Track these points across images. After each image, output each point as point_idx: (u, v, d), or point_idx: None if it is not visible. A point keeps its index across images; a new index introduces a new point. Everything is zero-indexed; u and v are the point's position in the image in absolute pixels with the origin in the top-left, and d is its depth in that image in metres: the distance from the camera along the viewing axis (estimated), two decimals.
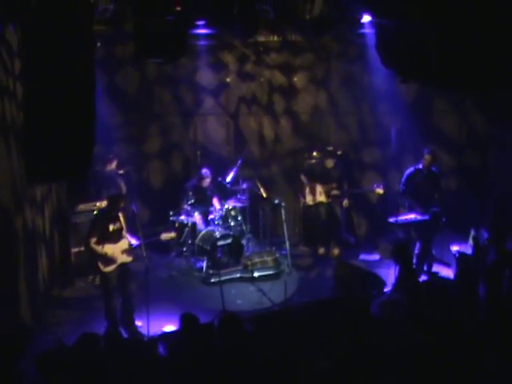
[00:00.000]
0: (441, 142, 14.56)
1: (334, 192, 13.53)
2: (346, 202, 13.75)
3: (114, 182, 12.93)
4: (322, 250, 13.67)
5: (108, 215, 10.06)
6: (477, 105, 14.43)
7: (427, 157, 11.96)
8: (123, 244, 10.00)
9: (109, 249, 9.84)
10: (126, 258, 10.04)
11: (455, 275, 10.05)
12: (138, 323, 10.24)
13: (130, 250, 10.13)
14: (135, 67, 14.19)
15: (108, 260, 9.87)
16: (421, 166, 12.00)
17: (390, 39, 8.37)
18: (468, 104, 14.55)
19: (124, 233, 10.10)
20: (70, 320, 10.64)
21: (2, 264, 9.19)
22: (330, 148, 14.01)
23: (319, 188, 13.58)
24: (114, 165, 13.29)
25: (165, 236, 11.08)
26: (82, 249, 11.86)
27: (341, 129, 15.06)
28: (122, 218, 10.11)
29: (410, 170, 12.16)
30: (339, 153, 14.09)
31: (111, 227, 9.94)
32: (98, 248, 9.82)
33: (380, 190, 13.20)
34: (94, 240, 9.82)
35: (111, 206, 10.06)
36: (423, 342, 6.76)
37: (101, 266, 9.89)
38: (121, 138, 14.31)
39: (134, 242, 10.18)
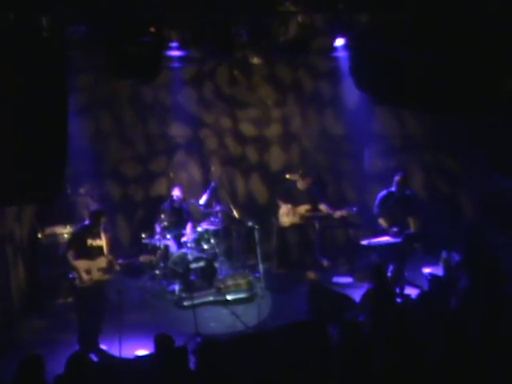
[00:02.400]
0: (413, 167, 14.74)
1: (308, 214, 13.54)
2: (317, 225, 13.80)
3: (85, 205, 12.84)
4: (295, 273, 13.64)
5: (88, 230, 10.00)
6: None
7: (399, 180, 12.02)
8: (101, 262, 9.93)
9: (84, 264, 9.79)
10: (102, 276, 9.97)
11: (421, 295, 10.09)
12: (103, 347, 10.15)
13: (108, 269, 10.05)
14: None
15: (83, 275, 9.78)
16: (394, 189, 12.05)
17: (364, 63, 8.42)
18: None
19: (104, 251, 10.02)
20: (40, 344, 10.50)
21: None
22: (304, 170, 14.02)
23: (293, 210, 13.58)
24: (86, 188, 13.22)
25: (144, 258, 11.11)
26: (52, 272, 11.82)
27: (314, 152, 15.11)
28: (104, 237, 10.05)
29: (384, 192, 12.20)
30: (313, 175, 14.09)
31: (89, 242, 9.89)
32: (73, 261, 9.77)
33: (352, 212, 13.24)
34: (71, 252, 9.80)
35: (92, 221, 10.00)
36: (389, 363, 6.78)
37: (76, 281, 9.82)
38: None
39: (113, 260, 10.14)
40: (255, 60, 13.30)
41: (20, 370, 6.74)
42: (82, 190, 13.16)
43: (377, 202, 12.20)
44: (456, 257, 11.96)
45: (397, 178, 12.07)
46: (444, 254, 12.18)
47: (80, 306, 10.04)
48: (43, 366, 6.85)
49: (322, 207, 13.63)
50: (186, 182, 14.80)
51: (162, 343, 7.35)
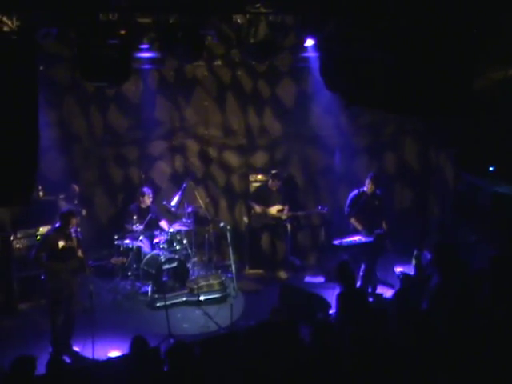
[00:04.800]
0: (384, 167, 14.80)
1: (279, 214, 13.58)
2: (289, 226, 13.84)
3: (56, 207, 12.78)
4: (267, 273, 13.69)
5: (59, 232, 9.97)
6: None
7: (371, 180, 12.11)
8: (73, 263, 9.92)
9: (57, 265, 9.79)
10: (75, 278, 9.98)
11: (395, 294, 10.14)
12: (76, 348, 10.13)
13: (79, 270, 10.04)
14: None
15: (55, 277, 9.79)
16: (365, 189, 12.13)
17: (334, 63, 8.46)
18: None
19: (76, 252, 9.99)
20: (13, 345, 10.45)
21: None
22: (275, 171, 14.04)
23: (264, 210, 13.60)
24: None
25: (115, 260, 11.07)
26: (25, 274, 11.77)
27: (287, 152, 15.11)
28: (74, 238, 10.01)
29: (355, 192, 12.28)
30: (284, 175, 14.12)
31: (61, 244, 9.86)
32: (45, 262, 9.80)
33: (324, 212, 13.30)
34: (42, 255, 9.78)
35: (63, 223, 9.96)
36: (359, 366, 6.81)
37: (49, 283, 9.84)
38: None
39: (84, 261, 10.14)
40: None
41: (12, 369, 6.74)
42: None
43: (348, 201, 12.29)
44: (427, 255, 12.04)
45: (368, 177, 12.16)
46: (415, 253, 12.26)
47: (52, 307, 10.01)
48: (35, 366, 6.85)
49: (292, 207, 13.68)
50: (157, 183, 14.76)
51: (137, 345, 7.36)
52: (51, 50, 12.16)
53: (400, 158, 15.16)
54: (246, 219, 14.15)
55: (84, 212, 13.20)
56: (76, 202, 13.19)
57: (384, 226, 12.16)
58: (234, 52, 13.24)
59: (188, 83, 14.71)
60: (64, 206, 12.42)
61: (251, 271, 14.11)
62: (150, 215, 12.99)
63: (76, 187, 13.25)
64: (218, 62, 14.25)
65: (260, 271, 13.92)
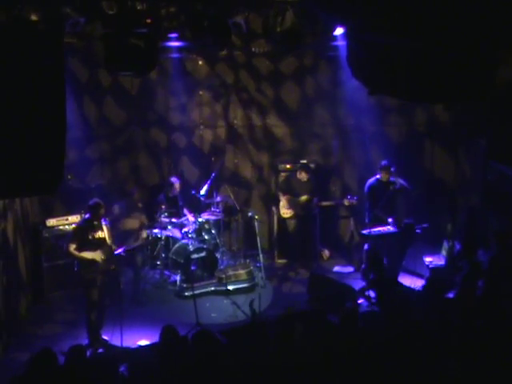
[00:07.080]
0: (413, 156, 14.60)
1: (309, 204, 13.53)
2: (318, 216, 13.81)
3: (86, 196, 12.83)
4: (296, 263, 13.66)
5: (90, 222, 10.07)
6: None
7: (384, 168, 12.02)
8: (105, 252, 10.02)
9: (88, 255, 9.88)
10: (108, 266, 10.09)
11: (425, 285, 10.10)
12: (105, 337, 10.21)
13: (112, 259, 10.16)
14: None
15: (90, 267, 9.89)
16: (379, 177, 12.04)
17: (360, 51, 8.39)
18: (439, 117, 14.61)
19: (108, 241, 10.12)
20: (43, 335, 10.58)
21: None
22: (304, 161, 13.98)
23: (293, 201, 13.56)
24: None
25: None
26: (55, 263, 11.87)
27: (316, 141, 15.03)
28: (105, 228, 10.15)
29: (371, 181, 12.20)
30: (312, 166, 14.05)
31: (91, 235, 9.99)
32: (77, 253, 9.87)
33: (353, 202, 13.23)
34: (73, 246, 9.88)
35: (92, 214, 10.06)
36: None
37: (84, 273, 9.93)
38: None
39: (118, 250, 10.38)
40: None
41: (33, 363, 6.77)
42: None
43: (366, 190, 12.23)
44: (457, 246, 11.97)
45: (381, 166, 12.08)
46: (445, 243, 12.20)
47: (89, 296, 10.07)
48: (56, 359, 6.89)
49: (321, 198, 13.64)
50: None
51: (167, 334, 7.39)
52: None
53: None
54: (275, 210, 14.11)
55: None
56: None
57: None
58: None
59: None
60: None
61: (279, 260, 14.13)
62: (180, 204, 13.10)
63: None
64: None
65: (288, 260, 13.91)
